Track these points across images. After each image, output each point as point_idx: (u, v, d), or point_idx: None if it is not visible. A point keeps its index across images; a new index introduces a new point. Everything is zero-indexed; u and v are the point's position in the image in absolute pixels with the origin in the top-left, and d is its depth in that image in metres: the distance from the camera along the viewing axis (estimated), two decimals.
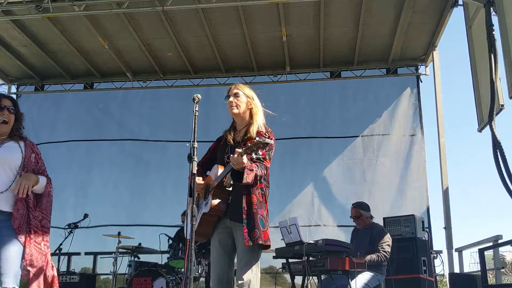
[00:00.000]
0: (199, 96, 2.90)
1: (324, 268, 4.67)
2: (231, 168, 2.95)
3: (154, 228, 7.79)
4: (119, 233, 6.41)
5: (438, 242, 9.06)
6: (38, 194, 3.20)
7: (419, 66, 8.55)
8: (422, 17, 7.33)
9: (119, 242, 6.36)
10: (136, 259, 6.43)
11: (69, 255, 7.40)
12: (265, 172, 3.12)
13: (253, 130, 3.15)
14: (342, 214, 7.74)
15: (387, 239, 5.23)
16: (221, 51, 8.30)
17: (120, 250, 6.37)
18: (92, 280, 7.27)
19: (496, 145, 4.57)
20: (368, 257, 4.95)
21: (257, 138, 2.74)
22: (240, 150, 2.86)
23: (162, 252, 6.43)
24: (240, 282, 2.99)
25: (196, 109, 2.83)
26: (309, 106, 8.45)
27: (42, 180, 3.18)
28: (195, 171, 2.66)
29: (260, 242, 3.01)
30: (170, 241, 6.35)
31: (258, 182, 3.12)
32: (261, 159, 3.08)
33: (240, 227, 3.06)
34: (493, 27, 4.84)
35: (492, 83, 4.73)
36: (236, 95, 3.22)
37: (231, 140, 3.24)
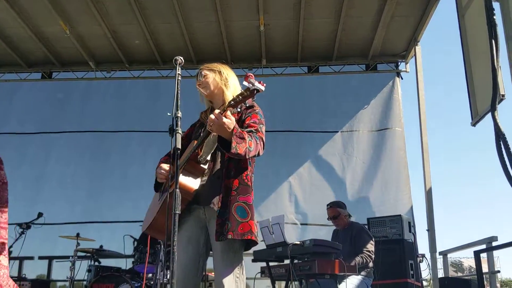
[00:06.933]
0: (182, 58, 2.37)
1: (310, 272, 4.20)
2: (207, 134, 2.37)
3: (117, 229, 7.05)
4: (77, 234, 5.73)
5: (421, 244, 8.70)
6: None
7: (399, 63, 8.25)
8: (406, 9, 7.02)
9: (78, 244, 5.68)
10: (96, 263, 5.75)
11: (21, 259, 6.60)
12: (261, 146, 2.49)
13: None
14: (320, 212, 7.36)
15: (367, 237, 4.91)
16: (193, 40, 7.73)
17: (79, 253, 5.69)
18: (46, 287, 6.50)
19: (500, 136, 4.18)
20: (353, 262, 4.55)
21: (244, 82, 2.18)
22: (218, 111, 2.29)
23: (127, 256, 5.76)
24: None
25: (179, 72, 2.30)
26: (286, 100, 7.98)
27: None
28: (179, 146, 2.08)
29: (230, 236, 2.31)
30: (136, 243, 5.68)
31: (249, 161, 2.52)
32: (253, 130, 2.49)
33: (214, 219, 2.44)
34: (494, 11, 4.48)
35: (494, 71, 4.35)
36: (201, 75, 2.71)
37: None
